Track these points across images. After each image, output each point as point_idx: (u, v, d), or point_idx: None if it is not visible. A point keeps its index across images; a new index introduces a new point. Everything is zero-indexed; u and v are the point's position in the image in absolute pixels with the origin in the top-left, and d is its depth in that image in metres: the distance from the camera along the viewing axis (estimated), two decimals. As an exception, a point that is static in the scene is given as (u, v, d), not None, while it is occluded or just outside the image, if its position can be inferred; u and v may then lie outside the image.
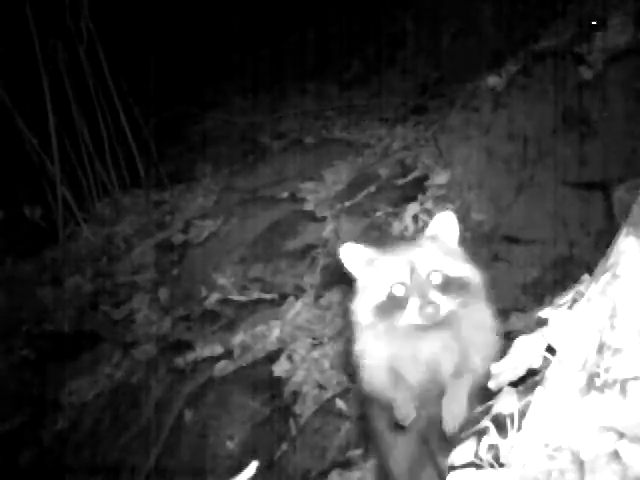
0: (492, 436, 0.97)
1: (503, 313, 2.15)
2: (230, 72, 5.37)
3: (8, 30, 3.94)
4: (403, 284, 1.58)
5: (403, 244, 1.72)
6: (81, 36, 4.06)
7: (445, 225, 1.69)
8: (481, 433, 1.00)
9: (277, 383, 2.87)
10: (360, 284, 1.70)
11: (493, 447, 0.97)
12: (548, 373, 0.98)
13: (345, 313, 1.76)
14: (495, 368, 1.07)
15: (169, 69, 4.95)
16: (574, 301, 1.08)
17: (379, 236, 3.16)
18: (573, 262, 2.82)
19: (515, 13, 4.18)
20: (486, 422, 0.99)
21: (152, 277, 3.78)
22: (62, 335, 3.64)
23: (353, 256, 1.69)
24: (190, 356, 3.16)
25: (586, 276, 1.14)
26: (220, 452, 2.76)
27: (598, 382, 0.89)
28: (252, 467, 1.04)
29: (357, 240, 1.76)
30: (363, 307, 1.66)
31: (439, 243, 1.67)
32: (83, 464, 3.01)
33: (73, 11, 3.98)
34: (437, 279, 1.58)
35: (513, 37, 3.98)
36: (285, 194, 3.84)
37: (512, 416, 0.98)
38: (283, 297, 3.26)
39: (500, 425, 0.99)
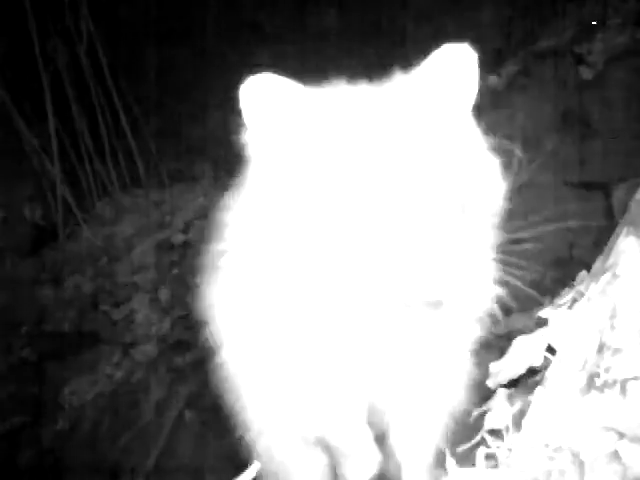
0: (489, 445, 0.98)
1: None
2: (230, 72, 5.36)
3: (8, 30, 3.94)
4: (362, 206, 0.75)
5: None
6: (81, 36, 4.05)
7: (454, 63, 0.87)
8: (478, 443, 1.00)
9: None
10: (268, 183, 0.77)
11: (491, 456, 0.97)
12: (548, 373, 0.98)
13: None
14: (494, 367, 1.07)
15: (169, 69, 4.94)
16: (574, 301, 1.08)
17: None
18: (573, 262, 2.81)
19: (515, 13, 4.18)
20: (482, 433, 0.99)
21: (152, 277, 3.77)
22: (62, 335, 3.64)
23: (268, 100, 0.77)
24: (190, 356, 3.16)
25: (584, 272, 1.14)
26: (220, 452, 2.75)
27: (598, 382, 0.89)
28: (252, 468, 1.04)
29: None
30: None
31: (437, 116, 0.81)
32: (83, 464, 3.01)
33: (73, 11, 3.98)
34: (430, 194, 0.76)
35: (513, 37, 3.98)
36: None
37: (507, 427, 0.98)
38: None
39: (496, 434, 0.99)
